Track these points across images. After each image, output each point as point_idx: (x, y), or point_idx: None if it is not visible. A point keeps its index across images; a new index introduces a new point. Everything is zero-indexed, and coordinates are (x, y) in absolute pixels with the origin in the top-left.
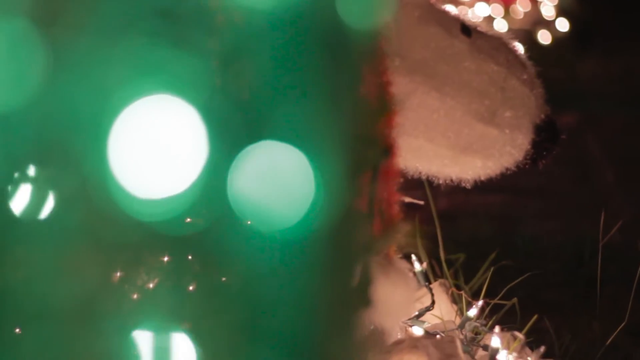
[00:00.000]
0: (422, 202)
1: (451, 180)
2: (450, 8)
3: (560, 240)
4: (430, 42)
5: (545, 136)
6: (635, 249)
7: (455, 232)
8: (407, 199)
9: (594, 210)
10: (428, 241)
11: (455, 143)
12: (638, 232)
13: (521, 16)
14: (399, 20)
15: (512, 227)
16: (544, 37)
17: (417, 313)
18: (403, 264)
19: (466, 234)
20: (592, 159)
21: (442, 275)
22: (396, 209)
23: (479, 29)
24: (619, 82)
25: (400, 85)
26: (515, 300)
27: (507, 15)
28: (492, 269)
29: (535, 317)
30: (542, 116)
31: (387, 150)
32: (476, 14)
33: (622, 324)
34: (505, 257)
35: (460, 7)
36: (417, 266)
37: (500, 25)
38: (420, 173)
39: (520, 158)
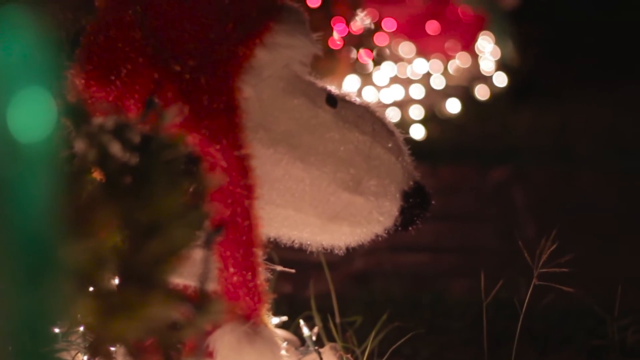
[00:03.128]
0: (293, 270)
1: (323, 247)
2: (316, 79)
3: (467, 298)
4: (295, 113)
5: (413, 202)
6: (539, 307)
7: (368, 293)
8: (279, 268)
9: (508, 267)
10: (340, 303)
11: (322, 212)
12: (546, 290)
13: (460, 72)
14: (262, 93)
15: (423, 286)
16: (481, 93)
17: None
18: (271, 332)
19: (379, 295)
20: (517, 214)
21: (339, 339)
22: (260, 279)
23: (346, 98)
24: (552, 136)
25: (264, 156)
26: None
27: (445, 71)
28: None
29: None
30: (411, 183)
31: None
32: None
33: None
34: (412, 317)
35: (400, 63)
36: (306, 331)
37: (438, 82)
38: (293, 242)
39: (390, 225)
